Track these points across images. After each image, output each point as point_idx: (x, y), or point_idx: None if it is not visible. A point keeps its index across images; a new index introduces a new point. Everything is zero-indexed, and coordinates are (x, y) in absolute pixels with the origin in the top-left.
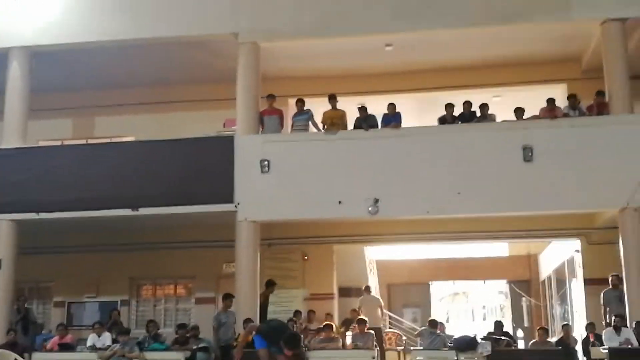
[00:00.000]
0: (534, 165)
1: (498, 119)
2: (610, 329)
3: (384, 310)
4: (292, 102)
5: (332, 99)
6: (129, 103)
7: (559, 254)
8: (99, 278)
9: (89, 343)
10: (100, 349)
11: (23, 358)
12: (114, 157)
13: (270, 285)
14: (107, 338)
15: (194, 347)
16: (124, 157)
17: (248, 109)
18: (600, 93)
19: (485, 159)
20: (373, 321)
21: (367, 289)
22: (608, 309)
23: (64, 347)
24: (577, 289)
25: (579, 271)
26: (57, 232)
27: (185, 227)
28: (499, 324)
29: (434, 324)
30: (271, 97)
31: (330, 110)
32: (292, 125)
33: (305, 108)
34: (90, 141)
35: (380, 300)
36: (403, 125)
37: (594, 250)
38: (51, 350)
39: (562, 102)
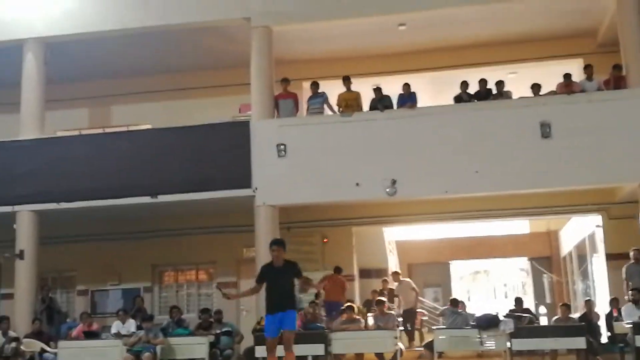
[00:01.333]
0: (553, 141)
1: (514, 96)
2: (630, 303)
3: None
4: (306, 85)
5: (347, 80)
6: (144, 91)
7: (579, 229)
8: (121, 266)
9: (113, 330)
10: (124, 335)
11: (49, 346)
12: (131, 146)
13: None
14: (131, 325)
15: (218, 331)
16: (141, 145)
17: (263, 94)
18: (617, 67)
19: (502, 136)
20: (408, 304)
21: (396, 274)
22: (630, 283)
23: (89, 335)
24: (598, 264)
25: (600, 246)
26: (78, 221)
27: (205, 213)
28: (519, 300)
29: (455, 302)
30: (285, 81)
31: (345, 92)
32: (307, 109)
33: (319, 91)
34: (107, 130)
35: (412, 282)
36: (419, 105)
37: (615, 225)
38: (76, 338)
39: (578, 77)
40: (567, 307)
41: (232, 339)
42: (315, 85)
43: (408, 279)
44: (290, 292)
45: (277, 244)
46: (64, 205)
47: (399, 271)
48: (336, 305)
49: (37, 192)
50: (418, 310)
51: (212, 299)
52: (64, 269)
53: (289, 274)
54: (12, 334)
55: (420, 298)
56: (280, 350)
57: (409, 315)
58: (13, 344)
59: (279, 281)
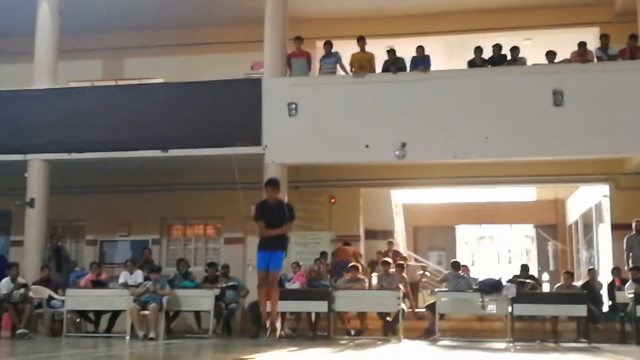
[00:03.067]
0: (564, 109)
1: (528, 63)
2: (630, 281)
3: (425, 272)
4: (320, 44)
5: (361, 40)
6: (158, 45)
7: (586, 198)
8: (130, 217)
9: (121, 280)
10: (132, 286)
11: (57, 294)
12: (142, 99)
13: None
14: (138, 275)
15: (224, 285)
16: (153, 98)
17: (276, 51)
18: (633, 37)
19: (514, 103)
20: (412, 280)
21: (401, 267)
22: (631, 254)
23: (97, 284)
24: (603, 234)
25: (607, 216)
26: (88, 172)
27: (214, 169)
28: (525, 267)
29: (456, 265)
30: (299, 40)
31: (359, 53)
32: (320, 68)
33: (333, 50)
34: (120, 82)
35: (419, 267)
36: (432, 68)
37: (622, 195)
38: (84, 287)
39: (594, 46)
40: (570, 275)
41: (238, 293)
42: (328, 45)
43: (417, 265)
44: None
45: (270, 184)
46: (75, 155)
47: (404, 263)
48: (346, 264)
49: (49, 142)
50: (419, 272)
51: (219, 253)
52: (73, 219)
53: (282, 213)
54: (21, 280)
55: (424, 260)
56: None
57: (413, 287)
58: (22, 290)
59: (272, 219)
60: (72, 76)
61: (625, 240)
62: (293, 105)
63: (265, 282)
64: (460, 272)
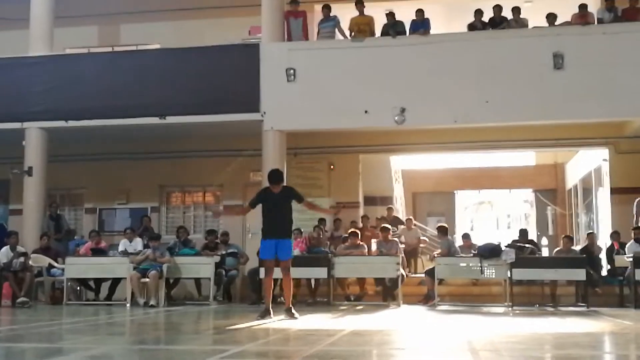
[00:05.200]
0: (565, 72)
1: (529, 26)
2: (632, 241)
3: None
4: (318, 8)
5: (359, 3)
6: (154, 10)
7: (586, 162)
8: (129, 185)
9: (120, 248)
10: (131, 254)
11: (57, 262)
12: (139, 65)
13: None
14: (138, 243)
15: (224, 252)
16: (150, 65)
17: (273, 16)
18: None
19: (514, 66)
20: (411, 247)
21: (410, 221)
22: (639, 218)
23: (97, 252)
24: (603, 198)
25: (606, 180)
26: (86, 140)
27: (213, 136)
28: (524, 232)
29: (443, 229)
30: (295, 3)
31: (358, 16)
32: (318, 33)
33: (331, 14)
34: (116, 49)
35: (419, 232)
36: (431, 32)
37: (622, 159)
38: (84, 255)
39: (594, 8)
40: (569, 239)
41: (237, 260)
42: (327, 9)
43: (417, 229)
44: (287, 219)
45: (275, 181)
46: (72, 123)
47: (412, 218)
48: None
49: (46, 110)
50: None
51: (219, 220)
52: (72, 187)
53: (287, 200)
54: (20, 249)
55: (423, 226)
56: (277, 273)
57: (412, 253)
58: (21, 259)
59: (276, 207)
60: (69, 43)
61: (635, 203)
62: (291, 71)
63: (272, 271)
64: (447, 235)
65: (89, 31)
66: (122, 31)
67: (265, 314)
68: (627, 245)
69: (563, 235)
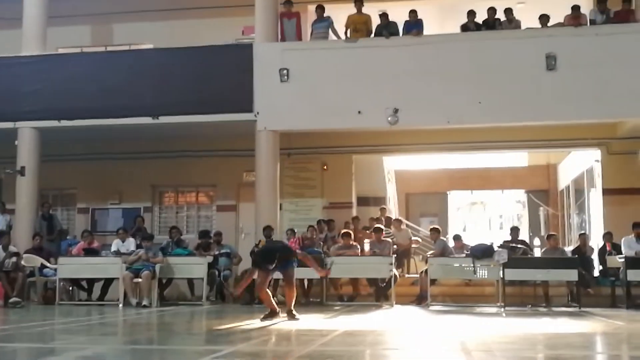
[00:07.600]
0: (557, 73)
1: (522, 27)
2: (631, 236)
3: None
4: (311, 8)
5: (358, 1)
6: (147, 10)
7: (578, 163)
8: (121, 185)
9: (113, 248)
10: (124, 254)
11: (49, 262)
12: (133, 65)
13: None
14: (131, 243)
15: (217, 252)
16: (143, 65)
17: (267, 16)
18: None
19: (507, 67)
20: (402, 247)
21: (398, 222)
22: None
23: (89, 252)
24: (595, 199)
25: (598, 181)
26: (79, 139)
27: (206, 137)
28: (515, 230)
29: (436, 230)
30: (288, 3)
31: (355, 15)
32: (312, 33)
33: (325, 15)
34: (109, 49)
35: (410, 232)
36: (424, 33)
37: (614, 160)
38: (77, 255)
39: (587, 10)
40: (554, 238)
41: (231, 260)
42: (320, 9)
43: (408, 229)
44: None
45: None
46: (65, 123)
47: (402, 219)
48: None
49: (39, 109)
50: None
51: (212, 221)
52: (65, 187)
53: (282, 252)
54: (12, 249)
55: (415, 226)
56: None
57: (404, 254)
58: (13, 259)
59: (272, 260)
60: (61, 42)
61: None
62: (285, 71)
63: (266, 280)
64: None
65: (82, 31)
66: (115, 31)
67: (272, 315)
68: (623, 239)
69: (547, 234)
